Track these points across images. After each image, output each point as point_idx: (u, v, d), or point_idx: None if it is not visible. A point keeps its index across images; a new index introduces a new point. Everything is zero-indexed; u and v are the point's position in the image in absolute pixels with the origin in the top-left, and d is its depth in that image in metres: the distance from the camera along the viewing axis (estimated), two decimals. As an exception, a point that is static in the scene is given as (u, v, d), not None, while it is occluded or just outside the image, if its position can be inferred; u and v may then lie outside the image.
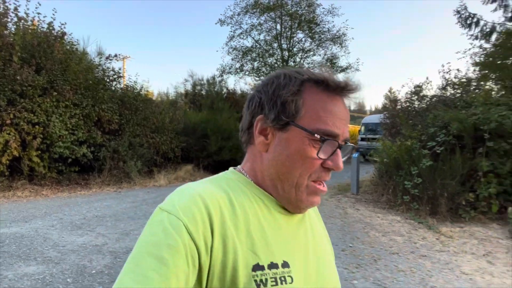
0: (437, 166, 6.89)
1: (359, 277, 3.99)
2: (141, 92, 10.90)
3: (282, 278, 0.61)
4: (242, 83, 39.52)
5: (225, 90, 15.30)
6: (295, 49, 21.52)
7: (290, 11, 20.68)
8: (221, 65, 23.65)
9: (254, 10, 20.94)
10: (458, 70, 15.25)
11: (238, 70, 21.17)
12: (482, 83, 13.37)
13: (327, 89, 0.67)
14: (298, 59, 21.56)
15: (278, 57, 20.72)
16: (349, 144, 0.71)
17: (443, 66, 13.01)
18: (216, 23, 24.34)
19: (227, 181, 0.69)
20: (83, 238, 5.06)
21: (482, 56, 13.42)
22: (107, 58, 10.67)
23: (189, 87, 16.89)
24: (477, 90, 12.69)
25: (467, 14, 14.80)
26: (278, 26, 20.98)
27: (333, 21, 32.80)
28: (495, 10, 14.42)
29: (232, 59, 20.99)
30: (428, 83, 13.13)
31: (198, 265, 0.57)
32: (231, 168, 0.76)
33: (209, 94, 14.24)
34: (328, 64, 21.05)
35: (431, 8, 43.78)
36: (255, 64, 20.72)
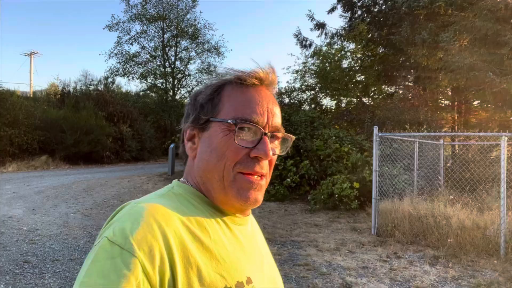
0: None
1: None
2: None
3: None
4: (133, 85, 41.64)
5: (92, 88, 17.14)
6: (179, 55, 23.88)
7: (176, 21, 22.99)
8: (109, 67, 25.17)
9: (143, 19, 22.81)
10: (287, 82, 18.85)
11: (126, 72, 22.88)
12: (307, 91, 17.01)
13: (245, 85, 0.66)
14: (182, 67, 23.93)
15: (161, 63, 22.96)
16: (286, 134, 0.69)
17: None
18: (103, 28, 25.82)
19: (177, 197, 0.64)
20: None
21: (310, 71, 16.99)
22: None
23: (81, 86, 18.37)
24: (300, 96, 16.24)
25: (302, 37, 18.56)
26: (164, 35, 23.17)
27: (213, 34, 35.97)
28: (319, 36, 18.40)
29: (117, 63, 22.69)
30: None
31: None
32: (175, 181, 0.70)
33: (74, 93, 15.91)
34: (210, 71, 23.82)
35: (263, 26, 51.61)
36: (140, 69, 22.71)
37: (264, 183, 0.66)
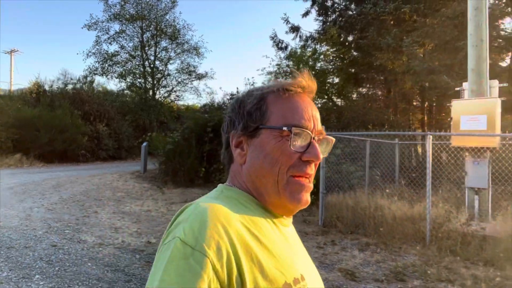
0: (177, 149, 10.07)
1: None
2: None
3: None
4: (112, 85, 41.94)
5: (70, 87, 17.26)
6: (159, 55, 24.07)
7: (155, 21, 23.15)
8: (88, 66, 25.19)
9: (122, 19, 22.88)
10: (262, 83, 19.43)
11: (105, 72, 22.93)
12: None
13: (288, 92, 0.70)
14: (161, 67, 24.11)
15: (140, 62, 23.11)
16: (327, 136, 0.73)
17: (248, 79, 16.85)
18: (82, 28, 25.84)
19: (229, 199, 0.68)
20: None
21: (284, 73, 17.48)
22: None
23: (59, 84, 18.41)
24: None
25: (278, 40, 19.04)
26: (143, 35, 23.30)
27: (193, 34, 36.44)
28: (294, 38, 18.92)
29: (96, 62, 22.73)
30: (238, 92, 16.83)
31: None
32: (222, 185, 0.73)
33: (50, 92, 16.03)
34: (188, 71, 24.08)
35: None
36: (119, 69, 22.82)
37: (311, 184, 0.70)
